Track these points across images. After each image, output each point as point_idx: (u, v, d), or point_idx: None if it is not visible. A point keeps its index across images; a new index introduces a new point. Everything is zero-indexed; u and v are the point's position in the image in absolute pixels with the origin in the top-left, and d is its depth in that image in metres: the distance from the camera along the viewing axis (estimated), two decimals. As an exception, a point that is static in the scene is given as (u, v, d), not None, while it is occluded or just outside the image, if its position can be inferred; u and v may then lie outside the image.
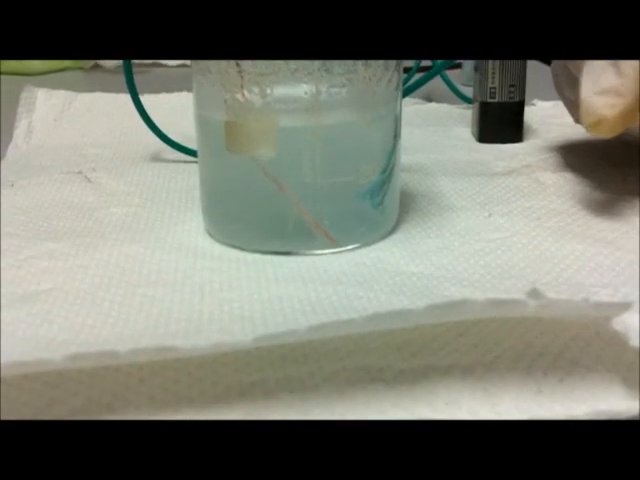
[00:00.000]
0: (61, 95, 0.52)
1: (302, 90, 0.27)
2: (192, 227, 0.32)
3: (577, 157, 0.40)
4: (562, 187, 0.36)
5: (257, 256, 0.29)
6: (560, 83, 0.38)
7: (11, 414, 0.20)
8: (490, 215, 0.33)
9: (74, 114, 0.50)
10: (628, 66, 0.29)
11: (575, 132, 0.44)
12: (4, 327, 0.23)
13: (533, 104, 0.54)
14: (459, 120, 0.51)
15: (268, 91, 0.27)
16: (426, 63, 0.58)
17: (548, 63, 0.70)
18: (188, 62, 0.30)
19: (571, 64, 0.35)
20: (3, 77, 0.74)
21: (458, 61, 0.59)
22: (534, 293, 0.20)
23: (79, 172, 0.39)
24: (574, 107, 0.35)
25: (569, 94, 0.37)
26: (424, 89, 0.45)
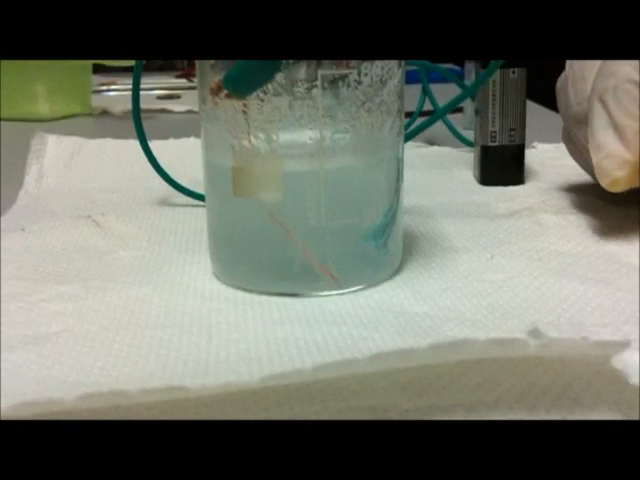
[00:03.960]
0: (71, 141, 0.53)
1: (307, 136, 0.28)
2: (200, 270, 0.33)
3: (578, 198, 0.41)
4: (563, 228, 0.36)
5: (263, 298, 0.29)
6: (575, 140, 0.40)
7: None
8: (492, 256, 0.33)
9: (84, 160, 0.51)
10: (627, 129, 0.32)
11: (575, 174, 0.44)
12: (16, 368, 0.23)
13: (533, 147, 0.55)
14: (461, 163, 0.52)
15: (274, 137, 0.28)
16: (428, 107, 0.59)
17: (548, 106, 0.71)
18: (195, 109, 0.31)
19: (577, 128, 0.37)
20: (14, 123, 0.75)
21: (459, 105, 0.60)
22: (535, 332, 0.21)
23: (88, 216, 0.40)
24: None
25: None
26: (426, 132, 0.46)
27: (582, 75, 0.38)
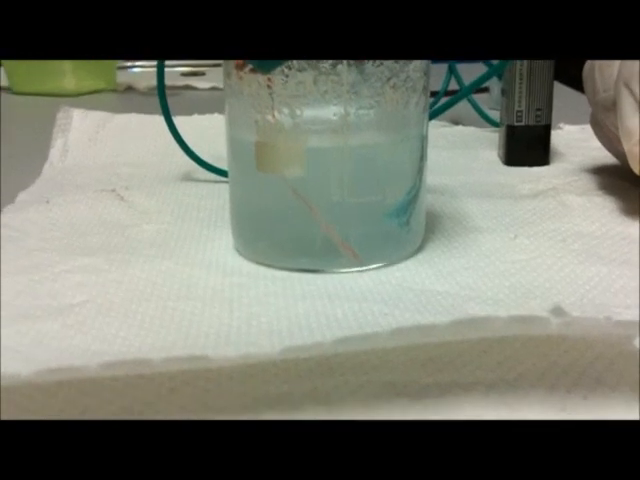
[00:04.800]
0: (96, 116, 0.53)
1: (331, 112, 0.28)
2: (222, 245, 0.33)
3: (603, 180, 0.41)
4: (588, 210, 0.36)
5: (285, 273, 0.29)
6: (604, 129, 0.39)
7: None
8: (516, 237, 0.33)
9: (108, 134, 0.52)
10: None
11: (601, 155, 0.44)
12: (41, 338, 0.24)
13: (560, 127, 0.54)
14: (486, 143, 0.51)
15: (298, 112, 0.28)
16: (453, 87, 0.59)
17: (576, 88, 0.70)
18: (220, 85, 0.31)
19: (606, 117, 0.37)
20: (40, 98, 0.76)
21: (485, 85, 0.59)
22: (557, 311, 0.21)
23: (112, 190, 0.40)
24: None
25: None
26: (452, 112, 0.45)
27: (608, 62, 0.37)
